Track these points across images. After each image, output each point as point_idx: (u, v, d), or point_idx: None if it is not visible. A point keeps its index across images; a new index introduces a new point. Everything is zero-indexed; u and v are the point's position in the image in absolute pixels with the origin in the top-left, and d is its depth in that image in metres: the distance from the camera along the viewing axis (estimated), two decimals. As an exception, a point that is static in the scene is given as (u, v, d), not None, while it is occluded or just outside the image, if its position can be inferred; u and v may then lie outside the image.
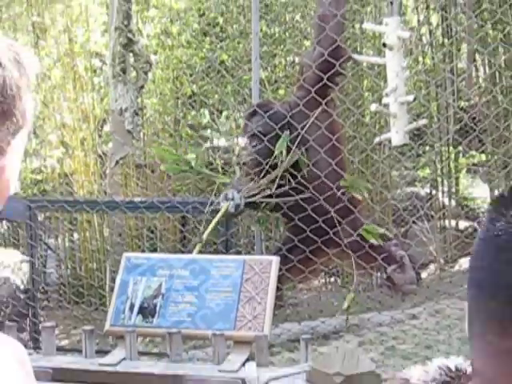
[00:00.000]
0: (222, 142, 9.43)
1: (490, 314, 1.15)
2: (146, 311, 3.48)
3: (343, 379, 2.89)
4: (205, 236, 5.12)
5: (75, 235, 8.97)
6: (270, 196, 5.02)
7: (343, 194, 5.04)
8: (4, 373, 1.21)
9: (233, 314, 3.38)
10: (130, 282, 3.57)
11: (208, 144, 9.34)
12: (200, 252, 5.06)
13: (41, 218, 7.71)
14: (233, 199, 5.03)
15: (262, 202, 5.09)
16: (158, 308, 3.48)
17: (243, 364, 3.21)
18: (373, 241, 4.98)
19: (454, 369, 1.57)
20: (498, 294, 1.13)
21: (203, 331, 3.40)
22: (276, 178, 4.93)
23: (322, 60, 4.89)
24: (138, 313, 3.48)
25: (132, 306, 3.50)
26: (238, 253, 6.32)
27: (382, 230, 5.09)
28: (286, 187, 4.97)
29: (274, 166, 4.99)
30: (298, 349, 4.06)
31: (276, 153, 4.91)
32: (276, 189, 4.96)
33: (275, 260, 3.53)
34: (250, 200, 5.04)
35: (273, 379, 3.09)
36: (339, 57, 4.89)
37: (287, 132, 4.95)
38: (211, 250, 6.45)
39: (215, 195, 5.29)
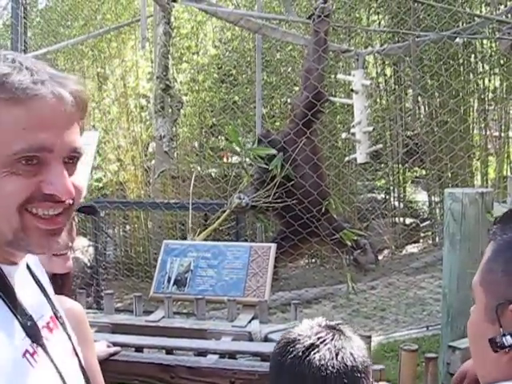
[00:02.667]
0: (234, 160, 9.44)
1: None
2: (180, 282, 3.48)
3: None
4: (218, 222, 5.13)
5: (127, 227, 8.96)
6: (269, 201, 5.02)
7: (323, 199, 5.04)
8: None
9: (242, 285, 3.38)
10: (168, 262, 3.57)
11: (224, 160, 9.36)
12: (217, 239, 5.09)
13: (102, 214, 7.70)
14: (243, 199, 5.05)
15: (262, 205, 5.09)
16: (188, 280, 3.48)
17: (249, 321, 3.21)
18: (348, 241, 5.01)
19: (316, 324, 1.51)
20: None
21: (221, 297, 3.40)
22: (273, 186, 4.94)
23: (307, 101, 4.90)
24: (174, 284, 3.48)
25: (169, 279, 3.50)
26: (245, 241, 6.33)
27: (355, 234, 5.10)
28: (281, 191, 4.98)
29: (272, 178, 5.00)
30: (289, 310, 4.06)
31: (271, 167, 4.92)
32: (273, 195, 4.96)
33: (273, 246, 3.53)
34: (254, 204, 5.05)
35: (271, 332, 3.09)
36: (320, 99, 4.90)
37: (281, 153, 4.95)
38: (226, 239, 6.46)
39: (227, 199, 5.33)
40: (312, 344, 1.43)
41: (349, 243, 5.00)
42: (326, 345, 1.43)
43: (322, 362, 1.40)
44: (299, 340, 1.45)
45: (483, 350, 1.18)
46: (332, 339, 1.44)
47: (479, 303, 1.24)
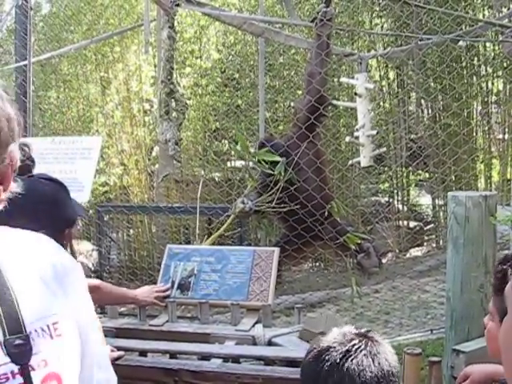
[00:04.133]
0: (237, 164, 9.45)
1: None
2: (183, 287, 3.48)
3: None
4: (224, 228, 5.12)
5: (131, 231, 8.97)
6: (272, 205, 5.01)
7: (326, 202, 5.03)
8: None
9: (246, 289, 3.38)
10: (172, 266, 3.57)
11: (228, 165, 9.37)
12: (221, 243, 5.08)
13: (106, 218, 7.71)
14: (247, 203, 5.04)
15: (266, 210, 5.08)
16: (191, 284, 3.48)
17: (253, 325, 3.22)
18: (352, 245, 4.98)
19: (348, 331, 1.55)
20: None
21: (224, 301, 3.40)
22: (276, 191, 4.92)
23: (310, 105, 4.90)
24: (177, 288, 3.48)
25: (173, 283, 3.50)
26: (249, 245, 6.33)
27: (359, 238, 5.07)
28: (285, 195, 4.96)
29: (275, 182, 4.99)
30: (292, 314, 4.06)
31: (276, 172, 4.91)
32: (276, 199, 4.95)
33: (276, 251, 3.53)
34: (257, 209, 5.04)
35: (274, 336, 3.10)
36: (323, 103, 4.88)
37: (284, 158, 4.94)
38: (230, 242, 6.46)
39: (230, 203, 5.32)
40: (348, 351, 1.48)
41: (352, 247, 4.97)
42: (361, 351, 1.48)
43: (360, 367, 1.45)
44: (334, 347, 1.49)
45: None
46: (366, 346, 1.49)
47: (510, 312, 1.22)
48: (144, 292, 3.35)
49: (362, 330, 1.58)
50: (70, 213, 1.95)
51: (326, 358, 1.49)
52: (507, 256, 1.78)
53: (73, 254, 2.01)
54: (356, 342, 1.51)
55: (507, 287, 1.23)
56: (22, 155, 3.14)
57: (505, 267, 1.71)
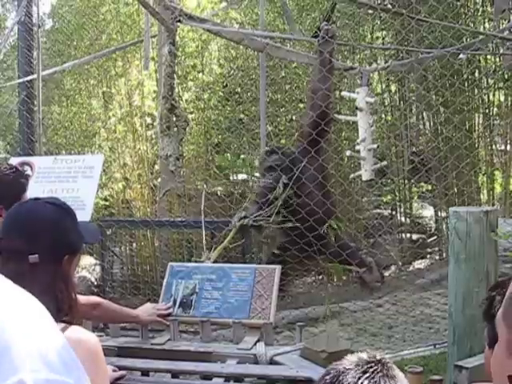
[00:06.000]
0: (239, 177, 9.46)
1: None
2: (185, 305, 3.48)
3: (327, 355, 2.89)
4: (227, 240, 5.12)
5: (134, 245, 8.98)
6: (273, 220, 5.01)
7: (328, 218, 5.02)
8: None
9: (247, 307, 3.38)
10: (173, 284, 3.58)
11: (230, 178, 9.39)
12: (223, 257, 5.07)
13: (109, 232, 7.72)
14: (246, 218, 5.05)
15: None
16: (193, 302, 3.48)
17: (255, 343, 3.22)
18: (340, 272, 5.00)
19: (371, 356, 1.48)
20: None
21: (226, 319, 3.40)
22: (276, 206, 4.93)
23: (312, 121, 4.92)
24: (179, 306, 3.49)
25: (175, 301, 3.51)
26: (252, 257, 6.32)
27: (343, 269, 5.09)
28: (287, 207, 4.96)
29: (276, 197, 4.99)
30: (295, 329, 4.05)
31: (276, 190, 4.92)
32: (276, 214, 4.95)
33: (278, 268, 3.53)
34: (256, 224, 5.04)
35: (276, 354, 3.10)
36: (325, 119, 4.90)
37: (284, 176, 4.94)
38: (233, 255, 6.46)
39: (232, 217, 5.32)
40: (364, 372, 1.47)
41: (354, 262, 4.97)
42: (378, 373, 1.47)
43: None
44: (351, 369, 1.49)
45: None
46: (382, 369, 1.49)
47: (501, 338, 1.21)
48: (146, 311, 3.34)
49: (377, 355, 1.58)
50: (73, 238, 1.94)
51: (343, 379, 1.49)
52: (498, 282, 1.79)
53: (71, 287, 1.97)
54: (372, 364, 1.52)
55: (498, 315, 1.22)
56: (20, 173, 3.17)
57: (493, 294, 1.72)
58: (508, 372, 1.15)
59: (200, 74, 9.21)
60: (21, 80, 7.06)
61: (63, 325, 1.80)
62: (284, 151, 5.15)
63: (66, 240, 1.90)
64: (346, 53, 8.53)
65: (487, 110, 8.49)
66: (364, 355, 1.54)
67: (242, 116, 9.13)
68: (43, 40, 9.96)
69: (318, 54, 5.06)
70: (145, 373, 3.07)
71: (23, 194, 3.08)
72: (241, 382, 2.94)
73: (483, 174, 8.62)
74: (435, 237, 9.42)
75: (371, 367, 1.48)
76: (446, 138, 7.90)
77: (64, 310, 1.85)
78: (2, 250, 1.85)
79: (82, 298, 2.67)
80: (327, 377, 1.51)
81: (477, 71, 8.40)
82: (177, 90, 7.64)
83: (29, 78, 6.83)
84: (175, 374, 3.08)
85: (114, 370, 2.79)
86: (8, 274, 1.83)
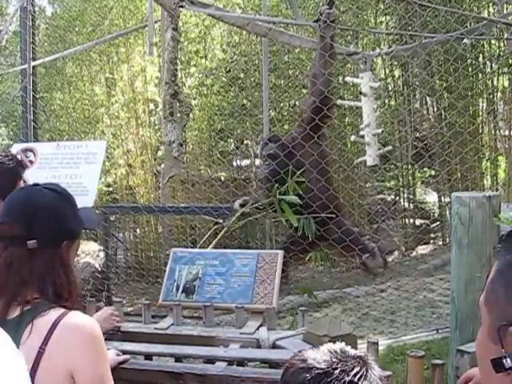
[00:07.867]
0: (243, 163, 9.47)
1: None
2: (188, 290, 3.50)
3: (329, 339, 2.90)
4: (229, 225, 5.13)
5: (137, 231, 9.01)
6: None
7: (331, 202, 5.03)
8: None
9: (250, 292, 3.39)
10: (177, 269, 3.59)
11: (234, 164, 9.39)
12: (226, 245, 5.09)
13: (112, 218, 7.73)
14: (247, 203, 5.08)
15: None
16: (196, 288, 3.50)
17: (257, 328, 3.23)
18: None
19: (340, 351, 1.38)
20: None
21: (229, 304, 3.41)
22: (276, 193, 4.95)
23: (314, 106, 4.91)
24: (182, 291, 3.50)
25: (178, 287, 3.52)
26: (256, 244, 6.34)
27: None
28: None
29: (282, 182, 5.00)
30: (298, 314, 4.07)
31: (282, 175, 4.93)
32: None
33: (280, 253, 3.54)
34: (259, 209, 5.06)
35: (279, 339, 3.12)
36: (327, 104, 4.90)
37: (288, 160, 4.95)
38: (237, 240, 6.47)
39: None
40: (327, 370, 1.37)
41: (357, 247, 4.98)
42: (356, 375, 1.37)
43: None
44: (314, 366, 1.38)
45: (489, 369, 1.16)
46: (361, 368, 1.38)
47: (484, 323, 1.22)
48: (101, 319, 3.04)
49: (357, 352, 1.47)
50: (72, 224, 1.94)
51: (306, 376, 1.38)
52: None
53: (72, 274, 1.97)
54: (352, 362, 1.40)
55: (480, 300, 1.23)
56: (15, 161, 3.16)
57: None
58: (490, 356, 1.16)
59: (203, 60, 9.20)
60: (21, 67, 7.05)
61: (63, 310, 1.81)
62: (282, 138, 5.16)
63: (65, 226, 1.90)
64: (349, 38, 8.49)
65: (491, 96, 8.46)
66: (339, 348, 1.43)
67: (244, 102, 9.12)
68: (43, 27, 9.95)
69: (320, 39, 5.05)
70: (148, 357, 3.09)
71: (18, 182, 3.07)
72: (243, 366, 2.96)
73: (487, 160, 8.60)
74: (438, 222, 9.43)
75: (354, 367, 1.36)
76: (449, 123, 7.89)
77: (63, 296, 1.86)
78: (0, 236, 1.86)
79: None
80: (290, 371, 1.40)
81: (481, 56, 8.36)
82: (180, 75, 7.63)
83: (33, 63, 6.82)
84: (178, 359, 3.09)
85: (118, 355, 2.81)
86: (7, 260, 1.85)
